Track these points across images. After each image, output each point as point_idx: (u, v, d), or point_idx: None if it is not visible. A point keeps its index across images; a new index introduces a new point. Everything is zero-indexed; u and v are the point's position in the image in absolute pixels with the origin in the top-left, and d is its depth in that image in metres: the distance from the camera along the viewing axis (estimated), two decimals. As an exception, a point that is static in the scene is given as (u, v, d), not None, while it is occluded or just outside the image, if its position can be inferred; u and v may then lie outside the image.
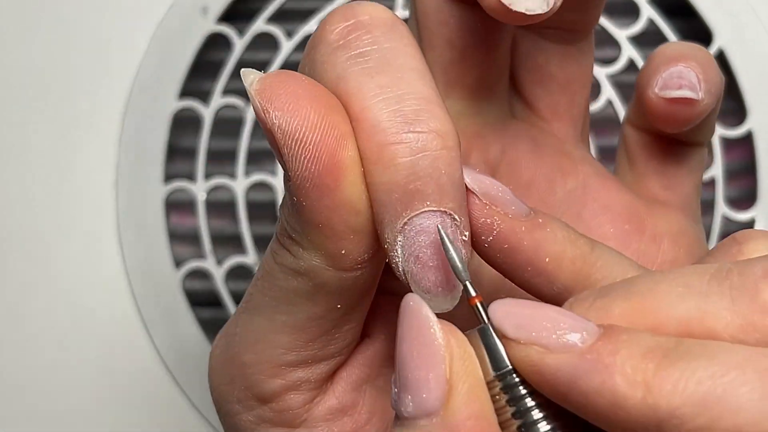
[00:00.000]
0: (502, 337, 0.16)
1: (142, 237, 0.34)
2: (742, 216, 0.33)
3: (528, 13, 0.18)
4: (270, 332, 0.19)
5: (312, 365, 0.19)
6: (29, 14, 0.36)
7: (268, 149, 0.35)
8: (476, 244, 0.18)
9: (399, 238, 0.17)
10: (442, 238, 0.17)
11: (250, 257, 0.34)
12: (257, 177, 0.35)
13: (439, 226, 0.17)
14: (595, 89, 0.34)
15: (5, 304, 0.35)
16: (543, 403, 0.16)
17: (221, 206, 0.35)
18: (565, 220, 0.21)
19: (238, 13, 0.35)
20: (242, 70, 0.17)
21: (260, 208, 0.35)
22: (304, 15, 0.35)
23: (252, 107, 0.17)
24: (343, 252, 0.18)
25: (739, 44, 0.33)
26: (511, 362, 0.16)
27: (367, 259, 0.18)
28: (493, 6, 0.18)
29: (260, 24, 0.35)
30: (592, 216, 0.23)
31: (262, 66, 0.35)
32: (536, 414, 0.16)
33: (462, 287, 0.17)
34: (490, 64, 0.22)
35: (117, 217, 0.34)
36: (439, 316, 0.16)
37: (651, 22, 0.34)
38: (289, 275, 0.18)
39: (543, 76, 0.23)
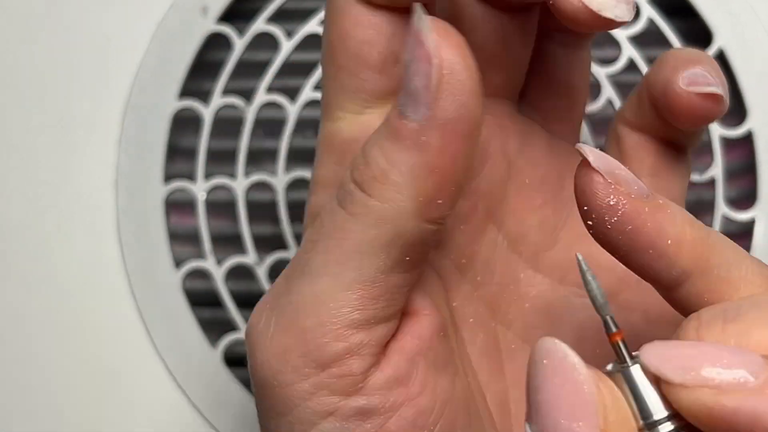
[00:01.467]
0: (661, 381, 0.15)
1: (141, 237, 0.34)
2: (742, 216, 0.33)
3: (617, 20, 0.18)
4: (336, 290, 0.19)
5: (373, 327, 0.19)
6: (29, 14, 0.36)
7: (268, 149, 0.35)
8: (597, 226, 0.17)
9: None
10: (581, 268, 0.16)
11: (250, 257, 0.34)
12: (257, 177, 0.35)
13: (579, 256, 0.17)
14: (595, 89, 0.34)
15: (5, 303, 0.35)
16: None
17: (221, 206, 0.35)
18: (573, 218, 0.21)
19: (238, 13, 0.35)
20: (416, 6, 0.17)
21: (260, 208, 0.35)
22: (305, 15, 0.35)
23: (414, 39, 0.17)
24: (440, 202, 0.18)
25: (739, 44, 0.33)
26: (671, 407, 0.15)
27: (449, 214, 0.18)
28: (577, 11, 0.18)
29: (260, 24, 0.35)
30: None
31: (262, 65, 0.35)
32: None
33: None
34: (515, 68, 0.23)
35: (117, 217, 0.34)
36: None
37: (651, 22, 0.34)
38: (368, 225, 0.18)
39: (549, 80, 0.24)
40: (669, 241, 0.17)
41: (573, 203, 0.22)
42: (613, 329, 0.16)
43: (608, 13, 0.18)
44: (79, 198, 0.35)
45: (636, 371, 0.15)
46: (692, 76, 0.21)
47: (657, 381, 0.15)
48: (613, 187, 0.17)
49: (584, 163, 0.18)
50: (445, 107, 0.17)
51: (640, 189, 0.18)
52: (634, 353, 0.16)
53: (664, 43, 0.34)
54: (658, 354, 0.15)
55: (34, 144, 0.35)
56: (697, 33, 0.34)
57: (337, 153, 0.21)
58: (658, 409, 0.15)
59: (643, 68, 0.34)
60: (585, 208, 0.18)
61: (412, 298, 0.21)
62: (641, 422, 0.15)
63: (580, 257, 0.16)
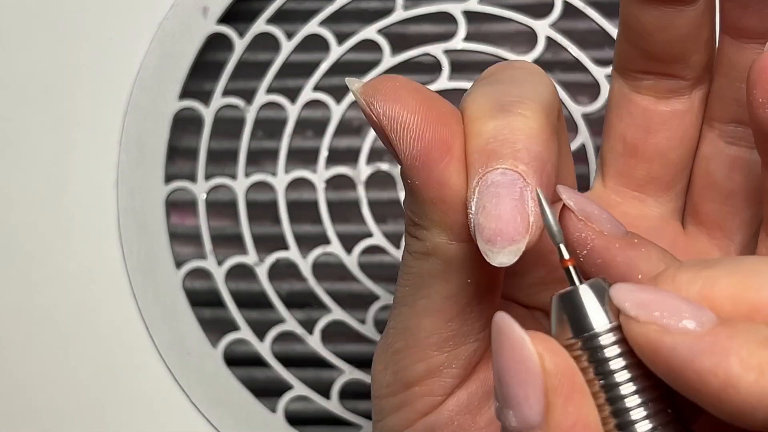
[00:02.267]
0: (622, 314, 0.16)
1: (142, 237, 0.34)
2: None
3: None
4: (413, 317, 0.21)
5: (453, 349, 0.21)
6: (30, 14, 0.36)
7: (269, 149, 0.35)
8: (573, 254, 0.19)
9: (474, 194, 0.18)
10: (538, 198, 0.18)
11: (250, 257, 0.34)
12: (257, 177, 0.35)
13: (538, 189, 0.18)
14: (595, 89, 0.34)
15: (6, 303, 0.35)
16: (633, 364, 0.16)
17: (222, 206, 0.35)
18: None
19: (238, 14, 0.35)
20: (346, 79, 0.19)
21: (260, 208, 0.35)
22: (305, 16, 0.35)
23: (361, 109, 0.19)
24: (461, 223, 0.19)
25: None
26: (626, 337, 0.16)
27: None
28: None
29: (261, 24, 0.35)
30: None
31: (263, 66, 0.35)
32: (624, 374, 0.16)
33: (524, 246, 0.18)
34: (661, 162, 0.23)
35: (117, 217, 0.35)
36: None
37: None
38: (420, 260, 0.20)
39: (706, 183, 0.23)
40: (640, 276, 0.19)
41: None
42: (566, 256, 0.18)
43: None
44: (80, 198, 0.35)
45: (584, 290, 0.17)
46: None
47: (617, 314, 0.17)
48: (582, 223, 0.19)
49: (563, 203, 0.19)
50: (403, 152, 0.19)
51: (614, 228, 0.19)
52: (586, 280, 0.18)
53: None
54: (626, 289, 0.16)
55: (35, 144, 0.35)
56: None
57: None
58: (600, 325, 0.17)
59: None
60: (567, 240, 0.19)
61: None
62: (585, 334, 0.17)
63: (539, 191, 0.18)
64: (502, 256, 0.18)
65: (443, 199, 0.19)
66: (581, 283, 0.17)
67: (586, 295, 0.17)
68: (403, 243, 0.21)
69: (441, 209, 0.19)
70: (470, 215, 0.18)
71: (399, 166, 0.20)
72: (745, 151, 0.23)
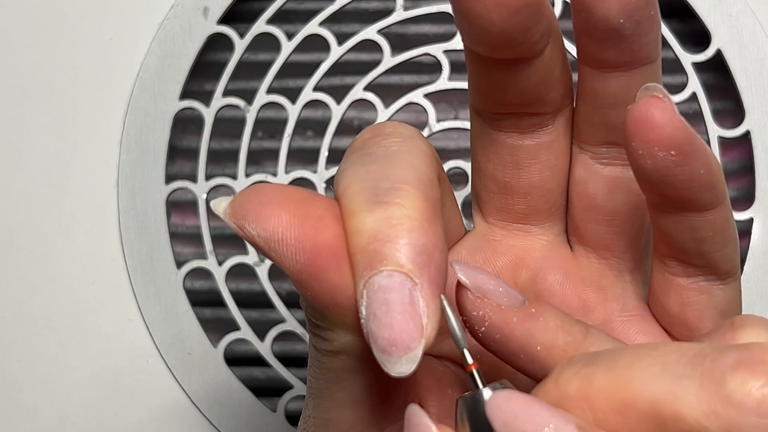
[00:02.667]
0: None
1: (143, 237, 0.34)
2: (741, 216, 0.33)
3: None
4: (333, 410, 0.20)
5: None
6: (30, 15, 0.36)
7: (269, 149, 0.35)
8: (471, 332, 0.19)
9: (362, 299, 0.17)
10: (442, 305, 0.17)
11: (250, 257, 0.34)
12: (258, 177, 0.35)
13: (443, 297, 0.17)
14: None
15: (7, 303, 0.35)
16: None
17: (222, 206, 0.35)
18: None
19: (239, 14, 0.36)
20: (211, 202, 0.19)
21: (261, 208, 0.35)
22: (305, 16, 0.35)
23: (234, 230, 0.18)
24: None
25: (737, 45, 0.34)
26: None
27: None
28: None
29: (261, 25, 0.35)
30: None
31: (263, 66, 0.35)
32: None
33: (421, 353, 0.17)
34: (538, 194, 0.23)
35: (118, 217, 0.35)
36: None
37: (649, 24, 0.34)
38: (330, 357, 0.19)
39: (588, 206, 0.23)
40: (539, 347, 0.19)
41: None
42: (469, 361, 0.18)
43: None
44: (81, 198, 0.35)
45: (486, 395, 0.17)
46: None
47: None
48: (479, 300, 0.19)
49: (458, 279, 0.19)
50: (287, 268, 0.18)
51: (510, 300, 0.19)
52: (489, 383, 0.18)
53: (663, 43, 0.34)
54: (496, 404, 0.17)
55: (36, 144, 0.35)
56: (695, 34, 0.34)
57: None
58: None
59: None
60: (462, 318, 0.19)
61: (420, 396, 0.22)
62: None
63: (442, 297, 0.17)
64: (400, 366, 0.17)
65: (339, 304, 0.18)
66: (484, 386, 0.17)
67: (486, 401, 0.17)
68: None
69: (340, 313, 0.18)
70: (361, 320, 0.17)
71: None
72: (621, 170, 0.22)
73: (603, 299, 0.23)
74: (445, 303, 0.17)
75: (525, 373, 0.19)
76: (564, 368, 0.17)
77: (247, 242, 0.19)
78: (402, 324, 0.17)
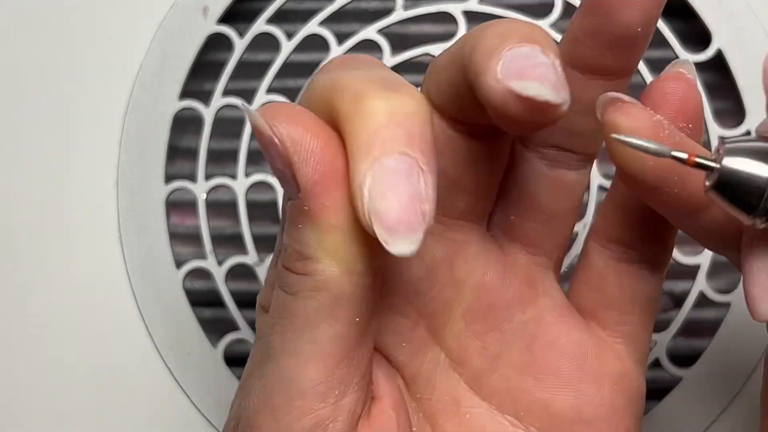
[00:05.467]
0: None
1: (142, 237, 0.34)
2: (741, 216, 0.33)
3: (538, 98, 0.17)
4: (296, 366, 0.20)
5: (338, 400, 0.20)
6: (30, 14, 0.36)
7: (269, 149, 0.35)
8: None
9: (367, 180, 0.18)
10: (619, 137, 0.19)
11: (250, 257, 0.34)
12: (258, 177, 0.35)
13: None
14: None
15: (6, 303, 0.35)
16: None
17: (222, 206, 0.35)
18: (514, 350, 0.22)
19: (238, 14, 0.35)
20: (241, 104, 0.19)
21: (261, 208, 0.35)
22: (305, 16, 0.35)
23: (257, 134, 0.19)
24: (356, 253, 0.19)
25: (737, 45, 0.34)
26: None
27: (380, 263, 0.19)
28: (500, 99, 0.18)
29: (261, 24, 0.35)
30: (540, 349, 0.23)
31: (263, 66, 0.35)
32: None
33: (422, 236, 0.17)
34: (482, 193, 0.23)
35: (118, 217, 0.35)
36: None
37: (650, 23, 0.34)
38: (306, 299, 0.19)
39: (529, 204, 0.23)
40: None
41: (518, 336, 0.23)
42: (684, 156, 0.17)
43: (531, 92, 0.17)
44: (80, 198, 0.35)
45: (728, 163, 0.17)
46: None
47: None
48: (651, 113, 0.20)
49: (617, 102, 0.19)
50: (305, 174, 0.18)
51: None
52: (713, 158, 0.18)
53: (663, 44, 0.34)
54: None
55: (35, 144, 0.35)
56: (696, 34, 0.34)
57: None
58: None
59: (642, 69, 0.34)
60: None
61: (379, 383, 0.22)
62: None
63: (618, 136, 0.18)
64: (403, 245, 0.17)
65: (341, 225, 0.18)
66: (720, 162, 0.17)
67: (740, 164, 0.17)
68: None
69: (338, 237, 0.18)
70: (362, 203, 0.18)
71: (285, 197, 0.19)
72: (566, 173, 0.23)
73: (535, 294, 0.24)
74: (625, 138, 0.18)
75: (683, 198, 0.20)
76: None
77: (267, 147, 0.19)
78: (410, 204, 0.17)
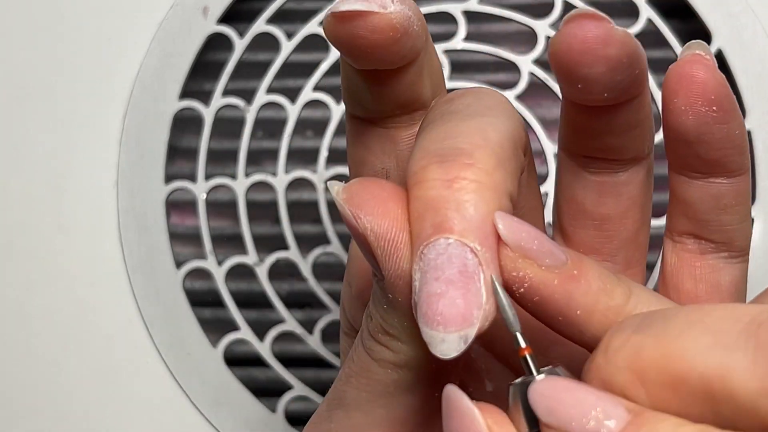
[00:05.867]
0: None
1: (142, 237, 0.34)
2: (741, 216, 0.33)
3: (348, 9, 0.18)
4: (368, 427, 0.19)
5: None
6: (30, 15, 0.36)
7: (269, 149, 0.35)
8: (508, 291, 0.17)
9: (416, 267, 0.16)
10: (494, 284, 0.16)
11: (250, 257, 0.34)
12: (257, 177, 0.35)
13: (493, 276, 0.16)
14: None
15: (6, 303, 0.35)
16: None
17: (222, 206, 0.35)
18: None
19: (238, 14, 0.35)
20: (327, 182, 0.18)
21: (260, 208, 0.35)
22: (305, 16, 0.35)
23: (342, 217, 0.17)
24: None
25: (737, 45, 0.34)
26: None
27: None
28: (325, 24, 0.18)
29: (261, 24, 0.35)
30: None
31: (263, 66, 0.35)
32: None
33: (473, 335, 0.16)
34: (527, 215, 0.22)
35: (118, 217, 0.35)
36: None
37: (650, 23, 0.34)
38: (388, 369, 0.18)
39: (577, 211, 0.22)
40: (578, 311, 0.17)
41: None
42: (522, 345, 0.17)
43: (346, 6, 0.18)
44: (81, 198, 0.35)
45: (540, 378, 0.16)
46: None
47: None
48: (520, 260, 0.17)
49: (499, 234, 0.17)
50: (387, 270, 0.17)
51: (553, 260, 0.17)
52: (541, 369, 0.17)
53: (663, 43, 0.34)
54: (539, 391, 0.16)
55: (35, 144, 0.35)
56: (696, 33, 0.34)
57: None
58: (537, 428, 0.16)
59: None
60: (501, 277, 0.18)
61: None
62: (526, 429, 0.16)
63: (493, 276, 0.16)
64: (447, 345, 0.16)
65: None
66: (538, 373, 0.16)
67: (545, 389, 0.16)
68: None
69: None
70: (414, 294, 0.16)
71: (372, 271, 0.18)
72: (612, 176, 0.22)
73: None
74: (496, 282, 0.16)
75: (563, 335, 0.18)
76: (612, 337, 0.16)
77: (351, 231, 0.17)
78: (456, 297, 0.16)
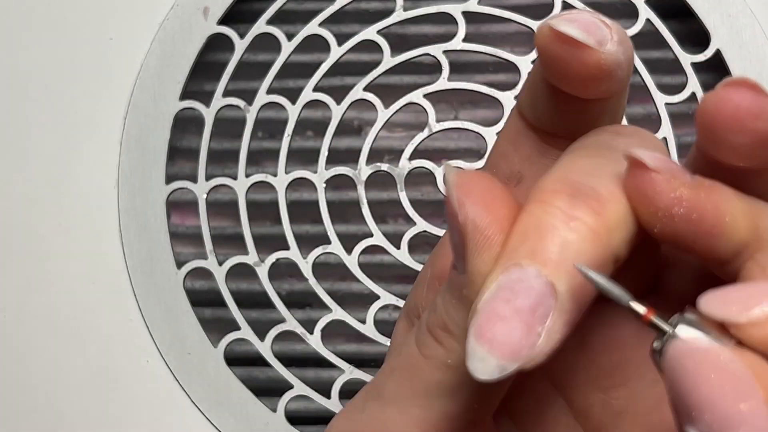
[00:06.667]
0: (727, 325, 0.15)
1: (143, 237, 0.34)
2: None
3: (569, 34, 0.17)
4: (399, 425, 0.19)
5: None
6: (31, 15, 0.36)
7: (269, 149, 0.35)
8: (665, 225, 0.17)
9: (497, 278, 0.16)
10: (585, 275, 0.16)
11: (251, 257, 0.34)
12: (258, 177, 0.35)
13: (582, 268, 0.16)
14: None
15: (7, 303, 0.35)
16: None
17: (222, 206, 0.35)
18: (641, 407, 0.20)
19: (239, 15, 0.36)
20: (446, 163, 0.18)
21: (261, 208, 0.35)
22: (306, 16, 0.35)
23: (446, 199, 0.17)
24: None
25: (736, 46, 0.34)
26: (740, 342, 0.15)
27: None
28: (541, 34, 0.18)
29: (261, 25, 0.35)
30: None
31: (263, 67, 0.35)
32: None
33: (513, 369, 0.15)
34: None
35: (119, 217, 0.35)
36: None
37: (649, 24, 0.34)
38: (435, 368, 0.18)
39: None
40: (727, 218, 0.17)
41: (645, 394, 0.21)
42: (642, 311, 0.16)
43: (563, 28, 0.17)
44: (81, 198, 0.35)
45: (683, 331, 0.15)
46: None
47: (720, 327, 0.15)
48: (673, 179, 0.17)
49: (638, 165, 0.17)
50: (474, 264, 0.17)
51: (692, 177, 0.17)
52: (669, 321, 0.16)
53: (662, 44, 0.34)
54: (717, 302, 0.15)
55: (36, 144, 0.35)
56: (695, 35, 0.34)
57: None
58: None
59: (641, 70, 0.34)
60: (650, 210, 0.17)
61: None
62: None
63: (580, 265, 0.16)
64: (483, 366, 0.15)
65: None
66: (674, 328, 0.15)
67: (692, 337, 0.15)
68: (417, 259, 0.19)
69: None
70: (481, 296, 0.16)
71: (453, 262, 0.18)
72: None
73: None
74: (585, 270, 0.16)
75: (712, 257, 0.17)
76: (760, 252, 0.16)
77: (449, 216, 0.17)
78: (515, 329, 0.15)
